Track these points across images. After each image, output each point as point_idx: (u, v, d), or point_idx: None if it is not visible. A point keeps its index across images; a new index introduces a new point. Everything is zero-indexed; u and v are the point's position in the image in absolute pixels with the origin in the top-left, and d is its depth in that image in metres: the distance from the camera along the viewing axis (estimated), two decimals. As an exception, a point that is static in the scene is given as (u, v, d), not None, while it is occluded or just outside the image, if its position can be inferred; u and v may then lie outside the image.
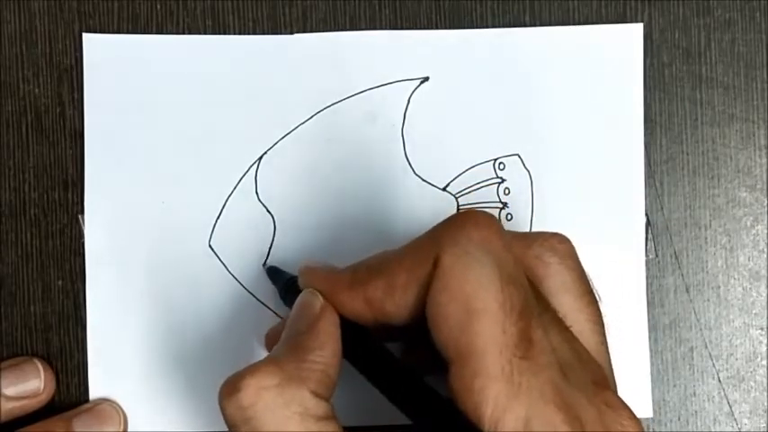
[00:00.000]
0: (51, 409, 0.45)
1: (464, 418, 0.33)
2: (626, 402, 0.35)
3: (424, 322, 0.35)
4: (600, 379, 0.36)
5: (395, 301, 0.35)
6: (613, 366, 0.37)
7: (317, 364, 0.35)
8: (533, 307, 0.34)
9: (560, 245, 0.38)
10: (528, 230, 0.46)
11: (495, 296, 0.33)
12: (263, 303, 0.45)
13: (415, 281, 0.35)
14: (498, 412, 0.32)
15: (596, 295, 0.38)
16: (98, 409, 0.44)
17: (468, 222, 0.35)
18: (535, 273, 0.37)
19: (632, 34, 0.46)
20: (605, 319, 0.38)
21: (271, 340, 0.42)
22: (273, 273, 0.44)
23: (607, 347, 0.38)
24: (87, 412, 0.44)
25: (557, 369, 0.34)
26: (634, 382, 0.45)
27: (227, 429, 0.44)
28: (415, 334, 0.36)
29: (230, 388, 0.34)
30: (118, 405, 0.45)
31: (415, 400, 0.34)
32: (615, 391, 0.36)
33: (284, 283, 0.42)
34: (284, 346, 0.36)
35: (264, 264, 0.45)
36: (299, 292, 0.38)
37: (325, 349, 0.35)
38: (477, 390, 0.33)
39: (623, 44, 0.46)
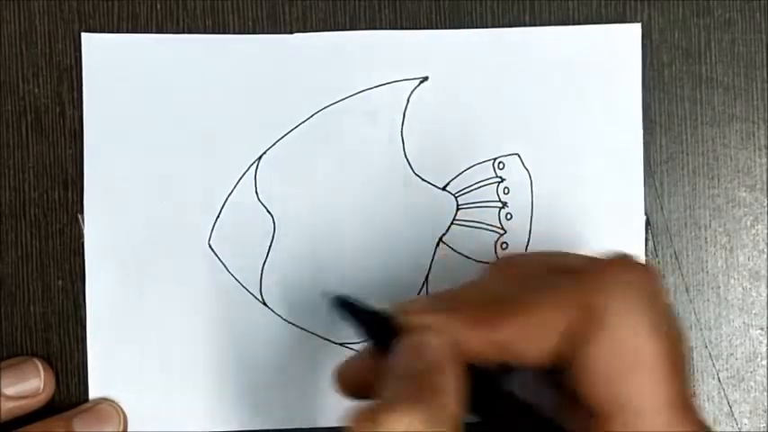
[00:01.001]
0: (51, 409, 0.45)
1: None
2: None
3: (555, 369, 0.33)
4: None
5: (529, 345, 0.33)
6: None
7: (451, 405, 0.32)
8: (685, 363, 0.34)
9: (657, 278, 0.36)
10: (527, 229, 0.46)
11: (659, 352, 0.32)
12: (262, 303, 0.45)
13: (558, 326, 0.33)
14: None
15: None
16: (98, 409, 0.44)
17: (630, 272, 0.33)
18: None
19: (631, 34, 0.46)
20: None
21: (349, 376, 0.37)
22: (344, 306, 0.37)
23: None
24: (87, 412, 0.44)
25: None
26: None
27: (229, 429, 0.45)
28: (538, 381, 0.35)
29: (370, 421, 0.30)
30: (117, 405, 0.45)
31: None
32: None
33: (374, 320, 0.36)
34: (409, 384, 0.32)
35: (325, 294, 0.39)
36: (394, 330, 0.34)
37: (454, 391, 0.32)
38: None
39: (622, 44, 0.46)
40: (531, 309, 0.33)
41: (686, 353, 0.34)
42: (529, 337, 0.33)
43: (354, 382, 0.36)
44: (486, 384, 0.33)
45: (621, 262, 0.34)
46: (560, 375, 0.34)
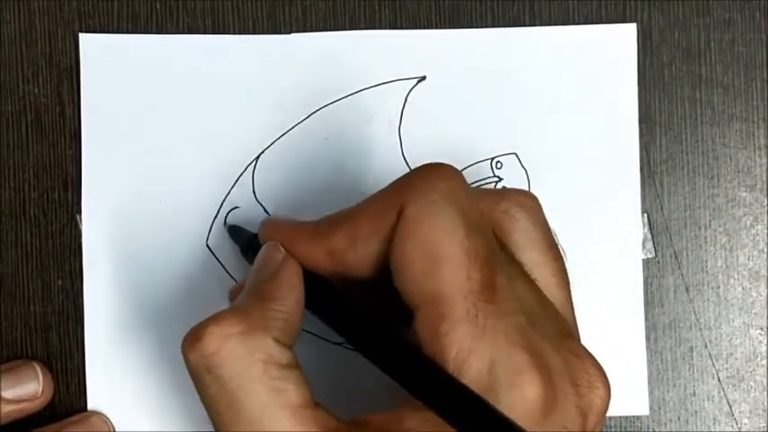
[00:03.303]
0: (50, 412, 0.45)
1: (426, 358, 0.33)
2: (591, 352, 0.36)
3: (387, 275, 0.35)
4: (565, 330, 0.36)
5: (357, 252, 0.36)
6: (610, 364, 0.37)
7: (281, 312, 0.35)
8: (497, 256, 0.35)
9: (528, 201, 0.38)
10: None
11: (459, 243, 0.33)
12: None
13: (378, 231, 0.35)
14: (463, 354, 0.32)
15: (562, 252, 0.39)
16: (89, 422, 0.44)
17: (432, 173, 0.35)
18: (502, 227, 0.37)
19: (626, 34, 0.46)
20: (570, 278, 0.38)
21: (234, 296, 0.42)
22: (235, 231, 0.44)
23: (572, 303, 0.38)
24: (77, 424, 0.44)
25: (522, 315, 0.34)
26: (631, 380, 0.45)
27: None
28: (377, 290, 0.36)
29: (193, 337, 0.34)
30: (107, 417, 0.45)
31: (376, 344, 0.34)
32: (579, 342, 0.36)
33: (246, 240, 0.42)
34: (247, 296, 0.36)
35: (225, 222, 0.45)
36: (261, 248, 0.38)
37: (288, 298, 0.36)
38: (443, 333, 0.33)
39: (618, 44, 0.46)
40: (356, 217, 0.36)
41: (493, 247, 0.35)
42: (354, 244, 0.35)
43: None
44: (326, 291, 0.37)
45: (430, 167, 0.36)
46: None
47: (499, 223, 0.37)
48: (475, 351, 0.33)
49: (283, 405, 0.33)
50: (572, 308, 0.38)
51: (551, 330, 0.35)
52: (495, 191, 0.40)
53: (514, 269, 0.36)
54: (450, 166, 0.36)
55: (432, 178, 0.35)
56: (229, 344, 0.34)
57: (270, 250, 0.38)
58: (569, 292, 0.38)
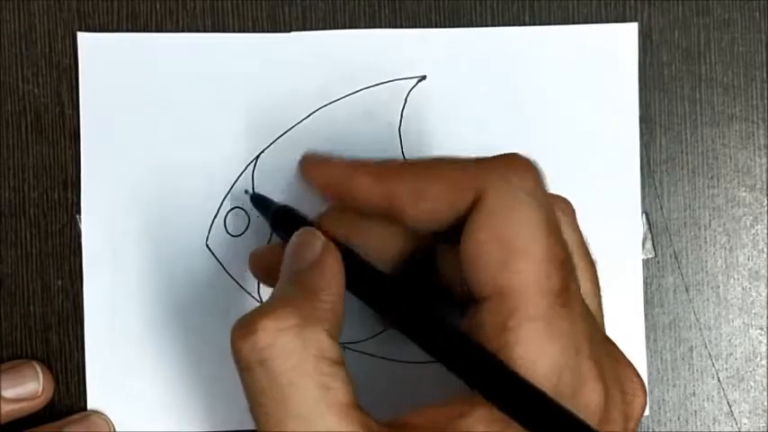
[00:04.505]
0: (50, 412, 0.45)
1: (490, 352, 0.32)
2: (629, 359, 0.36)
3: (435, 250, 0.35)
4: (606, 337, 0.36)
5: (418, 208, 0.35)
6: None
7: (328, 303, 0.34)
8: (571, 259, 0.34)
9: (568, 206, 0.38)
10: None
11: (541, 240, 0.33)
12: (260, 303, 0.45)
13: (447, 202, 0.34)
14: (533, 353, 0.32)
15: (594, 260, 0.38)
16: (89, 422, 0.44)
17: (517, 165, 0.35)
18: None
19: (627, 33, 0.46)
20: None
21: (258, 263, 0.41)
22: (260, 202, 0.43)
23: (602, 312, 0.38)
24: (77, 423, 0.44)
25: (587, 321, 0.33)
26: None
27: (227, 429, 0.45)
28: (422, 264, 0.36)
29: (246, 329, 0.33)
30: (107, 417, 0.45)
31: (424, 328, 0.34)
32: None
33: (274, 212, 0.40)
34: (291, 285, 0.35)
35: (249, 192, 0.45)
36: (293, 220, 0.37)
37: (333, 288, 0.34)
38: (512, 327, 0.32)
39: (618, 43, 0.46)
40: (427, 177, 0.35)
41: (568, 250, 0.34)
42: (417, 201, 0.34)
43: (263, 267, 0.38)
44: (370, 272, 0.36)
45: (515, 158, 0.35)
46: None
47: None
48: (545, 353, 0.32)
49: (331, 403, 0.32)
50: (602, 316, 0.38)
51: (600, 337, 0.35)
52: None
53: (575, 275, 0.36)
54: (531, 160, 0.35)
55: (517, 169, 0.34)
56: (284, 338, 0.33)
57: (307, 236, 0.36)
58: (601, 299, 0.38)
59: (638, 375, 0.36)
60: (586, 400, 0.32)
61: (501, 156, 0.35)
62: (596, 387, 0.33)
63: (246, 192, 0.45)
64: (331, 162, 0.37)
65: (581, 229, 0.38)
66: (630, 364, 0.36)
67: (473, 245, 0.34)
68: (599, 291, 0.38)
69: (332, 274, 0.35)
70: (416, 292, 0.36)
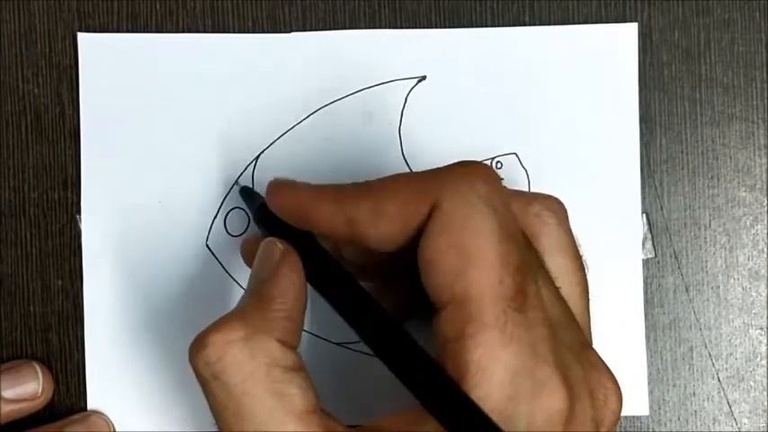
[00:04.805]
0: (50, 412, 0.45)
1: (438, 366, 0.33)
2: (606, 363, 0.36)
3: (398, 261, 0.35)
4: (584, 340, 0.36)
5: (378, 229, 0.35)
6: (610, 364, 0.37)
7: (281, 311, 0.35)
8: (529, 263, 0.34)
9: (558, 206, 0.38)
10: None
11: (494, 247, 0.33)
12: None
13: (405, 217, 0.35)
14: (487, 360, 0.32)
15: (585, 263, 0.39)
16: (89, 422, 0.44)
17: (470, 173, 0.35)
18: (532, 230, 0.37)
19: (627, 33, 0.46)
20: (590, 288, 0.38)
21: (246, 250, 0.41)
22: (248, 194, 0.43)
23: (589, 314, 0.38)
24: (77, 423, 0.44)
25: (548, 326, 0.34)
26: (631, 380, 0.45)
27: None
28: (385, 274, 0.36)
29: (198, 345, 0.34)
30: (107, 417, 0.45)
31: (391, 344, 0.34)
32: (596, 352, 0.36)
33: (257, 207, 0.40)
34: (248, 298, 0.36)
35: (239, 184, 0.45)
36: (275, 217, 0.38)
37: (288, 295, 0.35)
38: (468, 334, 0.32)
39: (618, 43, 0.46)
40: (384, 195, 0.35)
41: (525, 255, 0.34)
42: (377, 221, 0.35)
43: (252, 255, 0.38)
44: (332, 269, 0.36)
45: (469, 166, 0.35)
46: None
47: (530, 226, 0.37)
48: (500, 358, 0.32)
49: (288, 410, 0.33)
50: (589, 318, 0.38)
51: (573, 340, 0.35)
52: (525, 193, 0.40)
53: (542, 276, 0.36)
54: (487, 166, 0.36)
55: (470, 178, 0.35)
56: (232, 350, 0.33)
57: (267, 246, 0.37)
58: (588, 301, 0.38)
59: (614, 380, 0.36)
60: (545, 406, 0.33)
61: (456, 164, 0.36)
62: (557, 392, 0.33)
63: (237, 183, 0.45)
64: (294, 189, 0.37)
65: (578, 230, 0.39)
66: (607, 370, 0.36)
67: (429, 253, 0.34)
68: (587, 294, 0.38)
69: (288, 282, 0.35)
70: (376, 301, 0.36)
